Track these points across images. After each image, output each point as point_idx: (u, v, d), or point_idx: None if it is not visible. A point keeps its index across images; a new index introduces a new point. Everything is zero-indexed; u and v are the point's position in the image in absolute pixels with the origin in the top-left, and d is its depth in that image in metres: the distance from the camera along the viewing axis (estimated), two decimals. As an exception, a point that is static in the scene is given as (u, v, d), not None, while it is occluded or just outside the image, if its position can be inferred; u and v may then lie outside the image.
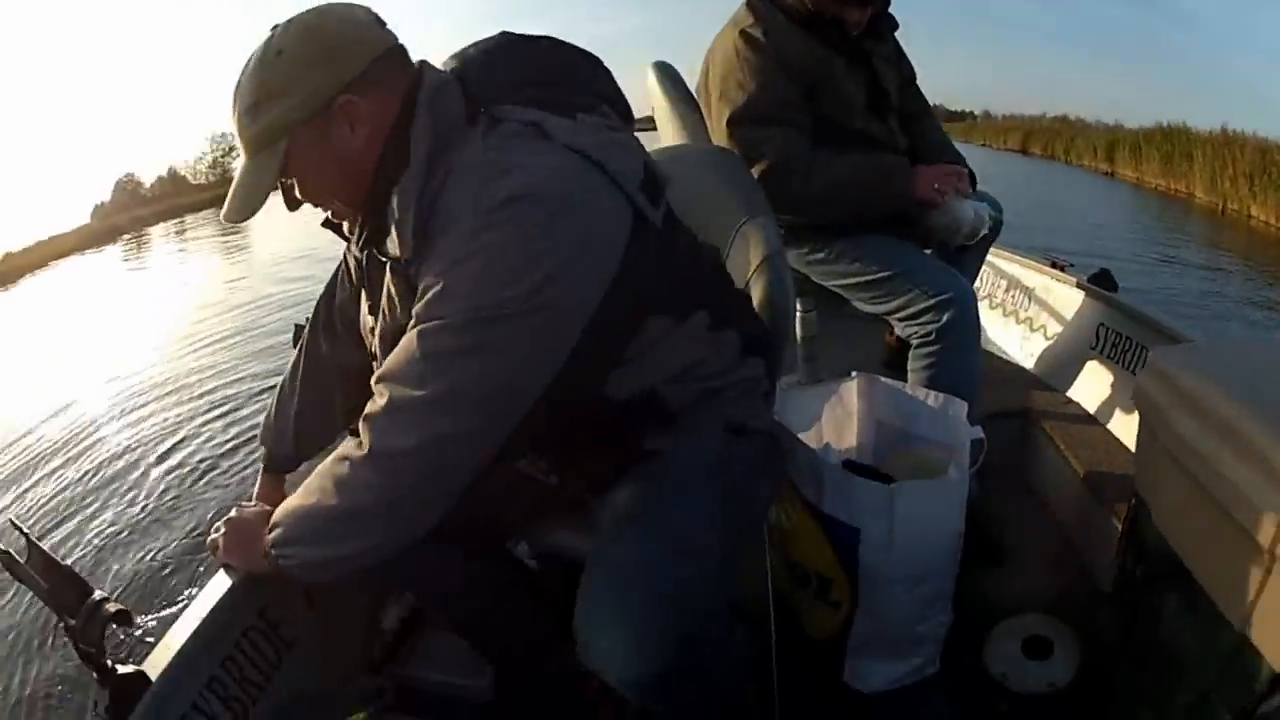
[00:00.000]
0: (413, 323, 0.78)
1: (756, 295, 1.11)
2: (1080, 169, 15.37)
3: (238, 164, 0.85)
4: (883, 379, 1.36)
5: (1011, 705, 1.21)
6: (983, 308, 2.41)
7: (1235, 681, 0.81)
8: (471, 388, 0.77)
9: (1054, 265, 2.23)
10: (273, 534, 0.89)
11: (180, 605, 1.31)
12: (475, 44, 0.90)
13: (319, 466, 0.88)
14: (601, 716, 1.14)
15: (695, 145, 1.57)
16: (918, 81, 1.78)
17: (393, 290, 0.87)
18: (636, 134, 0.91)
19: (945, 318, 1.49)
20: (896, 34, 1.70)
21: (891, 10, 1.64)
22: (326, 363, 1.11)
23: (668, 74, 1.75)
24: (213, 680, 1.11)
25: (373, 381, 0.82)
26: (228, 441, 3.94)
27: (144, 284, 12.25)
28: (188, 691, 1.07)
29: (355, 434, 0.83)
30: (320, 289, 1.14)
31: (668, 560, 0.81)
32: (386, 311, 0.89)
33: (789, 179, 1.47)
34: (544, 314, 0.76)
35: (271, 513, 0.92)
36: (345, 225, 0.90)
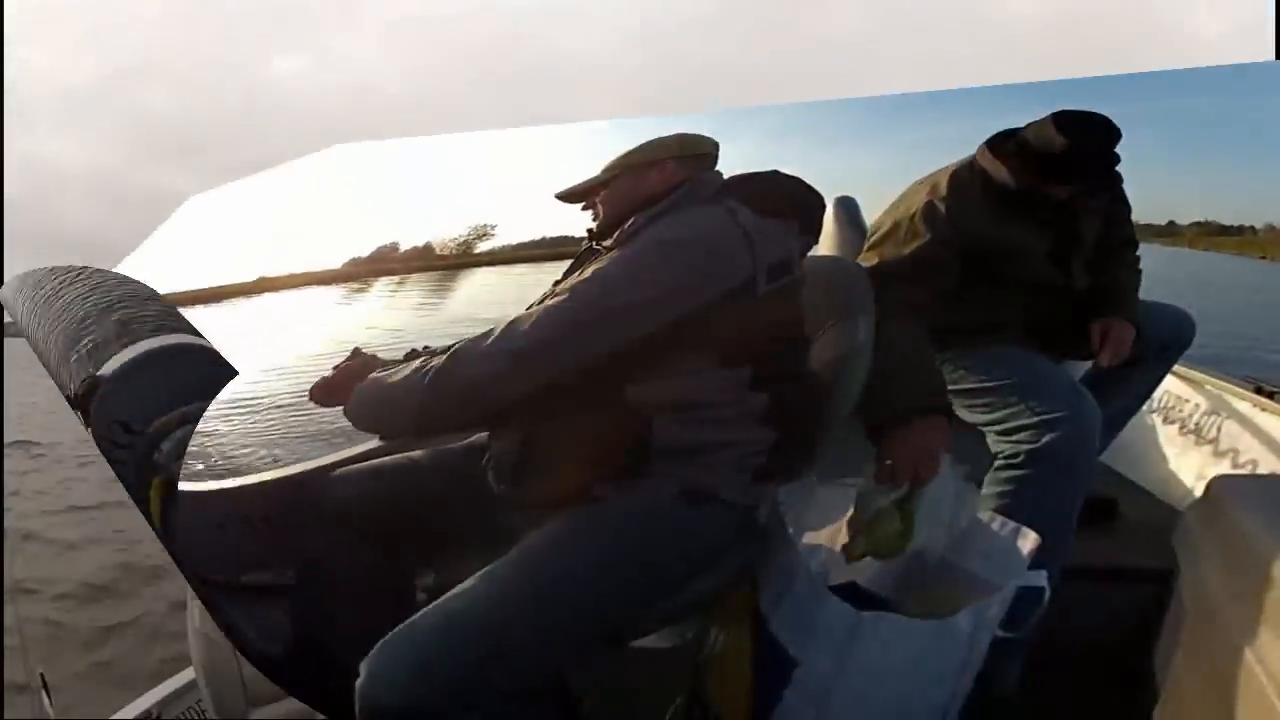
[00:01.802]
0: None
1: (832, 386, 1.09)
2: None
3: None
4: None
5: None
6: (1154, 425, 1.94)
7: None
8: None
9: (1258, 391, 1.82)
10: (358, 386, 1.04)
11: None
12: (755, 173, 1.12)
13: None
14: None
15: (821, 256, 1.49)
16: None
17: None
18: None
19: (1044, 439, 1.23)
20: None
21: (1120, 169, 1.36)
22: None
23: (846, 207, 1.87)
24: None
25: None
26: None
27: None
28: None
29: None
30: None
31: (498, 604, 0.86)
32: None
33: None
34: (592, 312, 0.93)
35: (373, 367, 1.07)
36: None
